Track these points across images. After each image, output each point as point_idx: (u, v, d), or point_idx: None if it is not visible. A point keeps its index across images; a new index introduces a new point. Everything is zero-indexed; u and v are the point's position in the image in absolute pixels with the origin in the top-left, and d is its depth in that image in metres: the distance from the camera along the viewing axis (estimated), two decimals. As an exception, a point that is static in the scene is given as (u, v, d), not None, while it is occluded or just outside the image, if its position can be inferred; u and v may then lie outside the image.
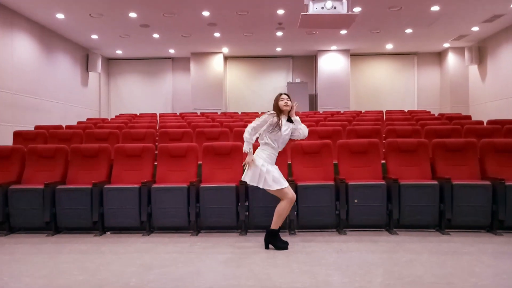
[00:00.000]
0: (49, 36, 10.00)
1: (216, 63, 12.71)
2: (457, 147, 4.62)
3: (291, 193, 3.54)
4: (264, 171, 3.50)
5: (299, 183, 4.23)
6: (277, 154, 3.68)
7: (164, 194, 4.23)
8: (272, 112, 3.64)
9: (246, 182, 4.22)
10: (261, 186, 3.53)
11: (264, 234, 3.63)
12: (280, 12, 8.90)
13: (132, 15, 9.01)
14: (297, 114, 3.78)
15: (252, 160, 3.54)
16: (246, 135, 3.59)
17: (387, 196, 4.17)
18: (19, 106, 8.72)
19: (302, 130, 3.69)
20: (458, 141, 4.73)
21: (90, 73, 12.20)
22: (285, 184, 3.52)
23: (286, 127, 3.62)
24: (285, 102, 3.64)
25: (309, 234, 4.12)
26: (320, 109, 12.16)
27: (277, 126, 3.56)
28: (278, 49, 12.36)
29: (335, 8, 5.85)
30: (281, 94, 3.72)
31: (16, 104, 8.62)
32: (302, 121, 3.79)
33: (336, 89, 12.43)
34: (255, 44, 11.71)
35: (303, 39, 11.15)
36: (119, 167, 4.69)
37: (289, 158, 4.81)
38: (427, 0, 8.22)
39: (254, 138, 3.61)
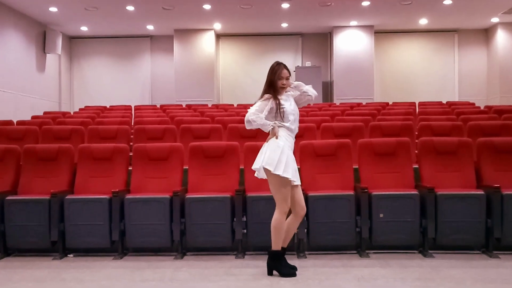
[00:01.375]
0: (-4, 9, 10.01)
1: (206, 42, 12.73)
2: (509, 148, 4.61)
3: (287, 201, 3.48)
4: (285, 153, 3.45)
5: (310, 193, 4.24)
6: (294, 137, 3.64)
7: (141, 207, 4.23)
8: (266, 96, 3.58)
9: (243, 192, 4.24)
10: (279, 173, 3.39)
11: (266, 256, 3.62)
12: (287, -22, 8.92)
13: (101, -18, 9.02)
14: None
15: (276, 134, 3.51)
16: (255, 121, 3.51)
17: (421, 209, 4.17)
18: (-41, 96, 8.73)
19: (310, 92, 3.67)
20: (511, 140, 4.72)
21: (48, 55, 12.22)
22: (297, 181, 3.52)
23: (288, 102, 3.61)
24: (283, 84, 3.59)
25: (322, 257, 4.13)
26: (337, 100, 12.19)
27: (279, 108, 3.53)
28: (284, 25, 12.37)
29: (355, -27, 5.85)
30: (281, 68, 3.61)
31: (-45, 94, 8.63)
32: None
33: (357, 75, 12.45)
34: (255, 19, 11.72)
35: (315, 12, 11.16)
36: (84, 173, 4.68)
37: (298, 161, 4.80)
38: (470, -36, 8.22)
39: (263, 115, 3.55)
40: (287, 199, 3.48)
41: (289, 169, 3.42)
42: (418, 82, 13.09)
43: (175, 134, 6.09)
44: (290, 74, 3.66)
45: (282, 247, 3.58)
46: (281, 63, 3.65)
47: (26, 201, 4.30)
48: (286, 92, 3.66)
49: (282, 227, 3.48)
